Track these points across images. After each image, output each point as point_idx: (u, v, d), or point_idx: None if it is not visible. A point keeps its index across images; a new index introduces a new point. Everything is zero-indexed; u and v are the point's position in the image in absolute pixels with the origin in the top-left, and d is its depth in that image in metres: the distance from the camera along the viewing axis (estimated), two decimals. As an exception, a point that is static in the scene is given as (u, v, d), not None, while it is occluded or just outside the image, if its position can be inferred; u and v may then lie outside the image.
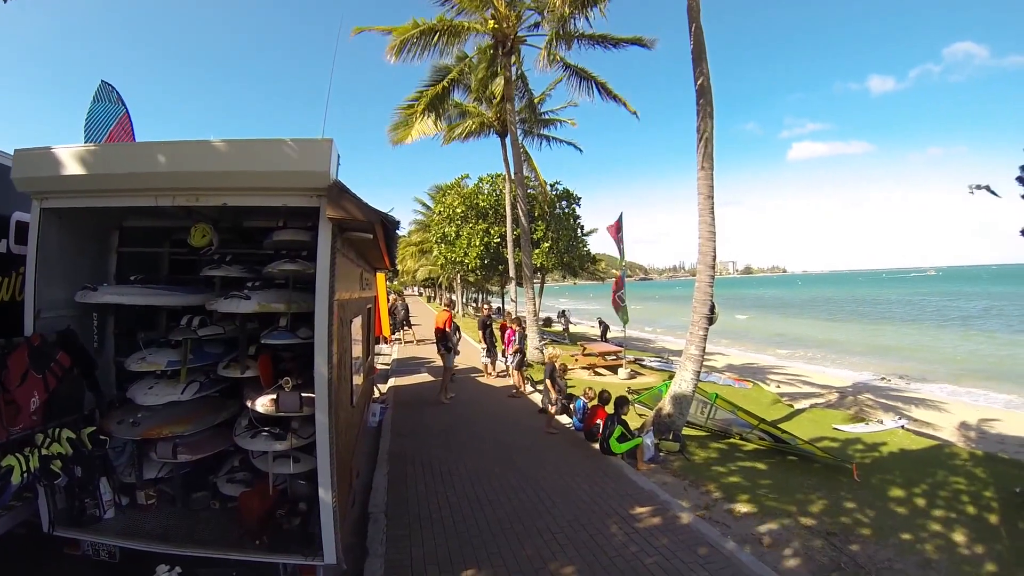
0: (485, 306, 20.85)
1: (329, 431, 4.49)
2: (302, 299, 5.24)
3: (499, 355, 17.32)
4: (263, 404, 4.86)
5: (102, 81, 8.05)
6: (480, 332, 17.54)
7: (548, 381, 12.03)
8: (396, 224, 5.43)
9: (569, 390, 12.70)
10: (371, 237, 5.31)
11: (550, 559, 5.88)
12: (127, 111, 8.26)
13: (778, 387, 20.39)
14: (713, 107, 10.41)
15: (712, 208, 10.28)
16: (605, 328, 31.06)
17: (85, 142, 7.66)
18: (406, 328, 26.98)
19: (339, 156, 4.55)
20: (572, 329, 34.58)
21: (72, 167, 4.48)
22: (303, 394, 4.79)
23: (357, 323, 7.22)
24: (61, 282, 4.97)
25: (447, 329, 14.28)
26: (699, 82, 10.37)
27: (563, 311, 35.94)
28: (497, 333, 17.74)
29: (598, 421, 10.10)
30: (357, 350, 7.26)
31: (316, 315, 4.51)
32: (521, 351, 15.33)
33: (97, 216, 5.28)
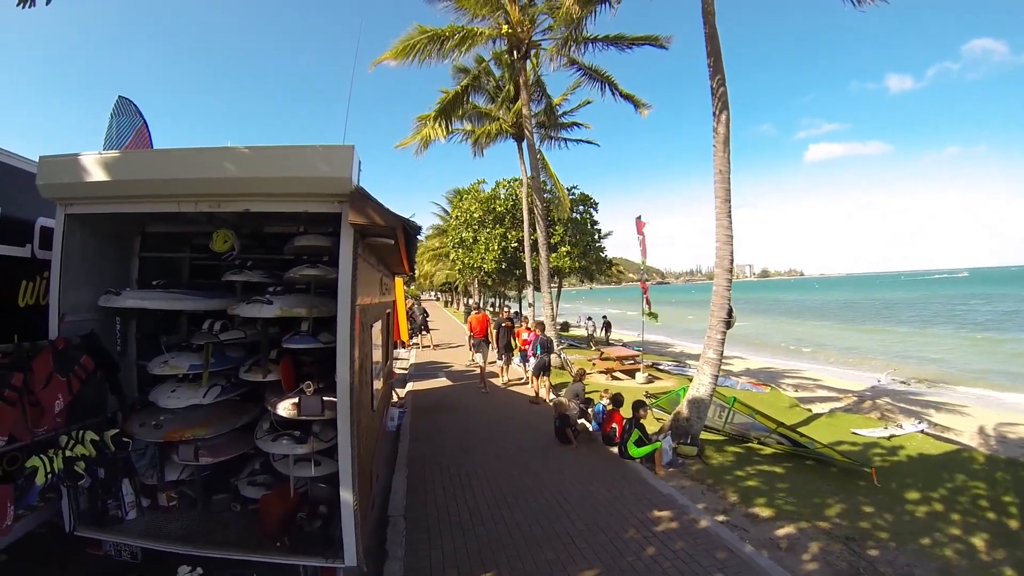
0: (504, 309, 20.71)
1: (351, 435, 4.53)
2: (323, 304, 5.32)
3: (516, 359, 17.26)
4: (285, 408, 4.90)
5: (120, 96, 8.20)
6: (494, 333, 17.32)
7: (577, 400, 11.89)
8: (417, 229, 5.46)
9: (587, 394, 12.65)
10: (392, 242, 5.35)
11: (569, 563, 5.89)
12: (144, 122, 8.41)
13: (796, 391, 20.24)
14: (730, 110, 10.37)
15: (729, 212, 10.22)
16: (608, 325, 33.07)
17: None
18: (424, 333, 26.92)
19: (360, 162, 4.58)
20: (596, 334, 34.77)
21: (96, 174, 4.55)
22: (324, 398, 4.83)
23: (377, 328, 7.27)
24: (84, 286, 5.07)
25: (489, 331, 17.07)
26: (715, 86, 10.34)
27: (604, 316, 35.91)
28: (518, 338, 17.70)
29: (614, 425, 10.10)
30: (377, 355, 7.31)
31: (338, 320, 4.55)
32: (546, 357, 15.12)
33: (120, 222, 5.35)
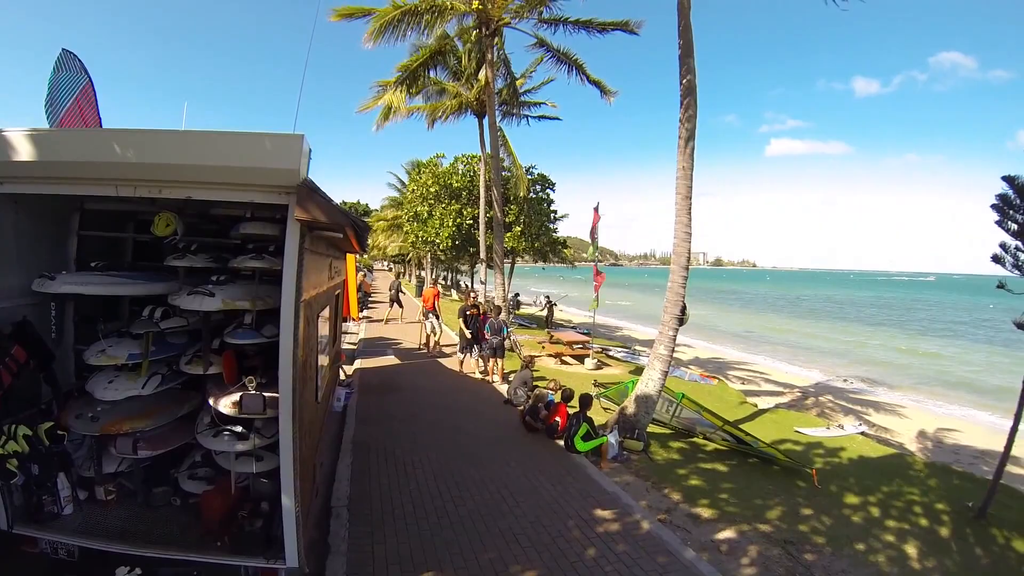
0: (472, 293, 20.30)
1: (292, 438, 4.40)
2: (268, 294, 5.12)
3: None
4: (226, 406, 4.74)
5: (63, 49, 7.75)
6: (460, 320, 16.28)
7: (526, 388, 11.85)
8: (367, 228, 5.29)
9: (535, 382, 12.64)
10: (341, 236, 5.18)
11: (511, 562, 5.90)
12: (90, 80, 7.97)
13: (743, 384, 20.66)
14: (697, 107, 10.33)
15: (689, 209, 10.22)
16: (551, 306, 32.05)
17: (47, 113, 7.42)
18: (399, 307, 27.21)
19: (311, 150, 4.38)
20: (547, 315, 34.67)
21: (28, 152, 4.23)
22: (267, 394, 4.70)
23: (325, 314, 7.08)
24: (17, 269, 4.78)
25: (436, 304, 18.91)
26: (684, 81, 10.25)
27: (548, 297, 35.63)
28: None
29: (557, 418, 10.13)
30: (324, 343, 7.14)
31: (282, 320, 4.38)
32: (495, 339, 14.97)
33: (56, 198, 5.02)
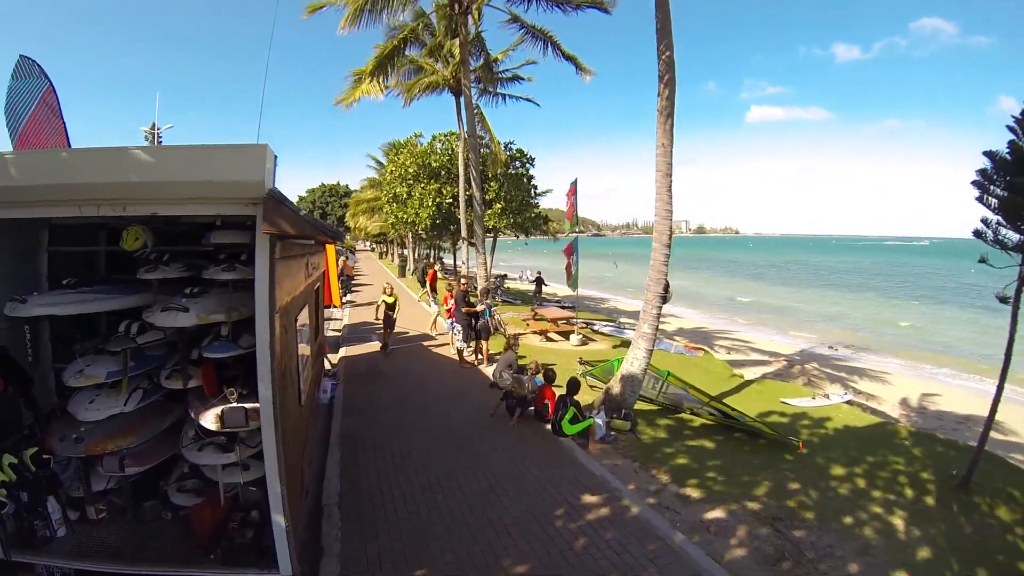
0: (464, 278, 19.57)
1: (276, 448, 4.39)
2: (243, 303, 5.02)
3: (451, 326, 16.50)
4: (209, 420, 4.71)
5: (21, 56, 7.54)
6: (453, 306, 15.71)
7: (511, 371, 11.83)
8: (337, 234, 5.22)
9: (519, 361, 12.60)
10: (312, 242, 5.10)
11: (502, 555, 5.94)
12: (51, 84, 7.78)
13: (728, 354, 20.76)
14: (676, 81, 10.14)
15: (670, 186, 10.11)
16: (540, 282, 32.36)
17: (8, 122, 7.25)
18: (433, 293, 26.26)
19: (276, 157, 4.27)
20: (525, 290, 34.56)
21: None
22: (249, 405, 4.68)
23: (304, 313, 6.98)
24: (-14, 293, 4.68)
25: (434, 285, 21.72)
26: (661, 53, 10.06)
27: (539, 272, 35.44)
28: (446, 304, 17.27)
29: (546, 401, 10.14)
30: (306, 339, 7.09)
31: (257, 333, 4.35)
32: (482, 322, 15.06)
33: (21, 220, 4.90)
